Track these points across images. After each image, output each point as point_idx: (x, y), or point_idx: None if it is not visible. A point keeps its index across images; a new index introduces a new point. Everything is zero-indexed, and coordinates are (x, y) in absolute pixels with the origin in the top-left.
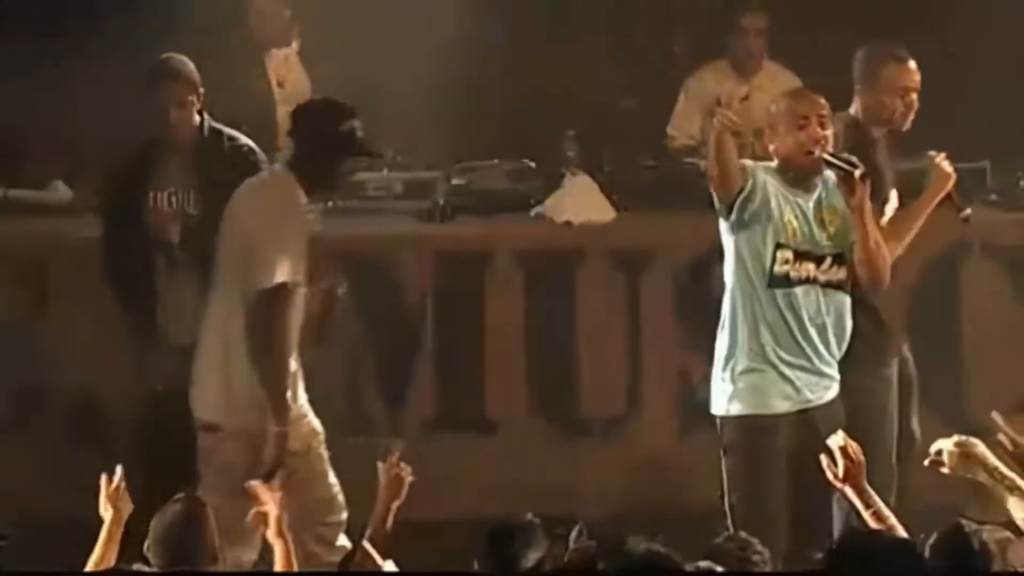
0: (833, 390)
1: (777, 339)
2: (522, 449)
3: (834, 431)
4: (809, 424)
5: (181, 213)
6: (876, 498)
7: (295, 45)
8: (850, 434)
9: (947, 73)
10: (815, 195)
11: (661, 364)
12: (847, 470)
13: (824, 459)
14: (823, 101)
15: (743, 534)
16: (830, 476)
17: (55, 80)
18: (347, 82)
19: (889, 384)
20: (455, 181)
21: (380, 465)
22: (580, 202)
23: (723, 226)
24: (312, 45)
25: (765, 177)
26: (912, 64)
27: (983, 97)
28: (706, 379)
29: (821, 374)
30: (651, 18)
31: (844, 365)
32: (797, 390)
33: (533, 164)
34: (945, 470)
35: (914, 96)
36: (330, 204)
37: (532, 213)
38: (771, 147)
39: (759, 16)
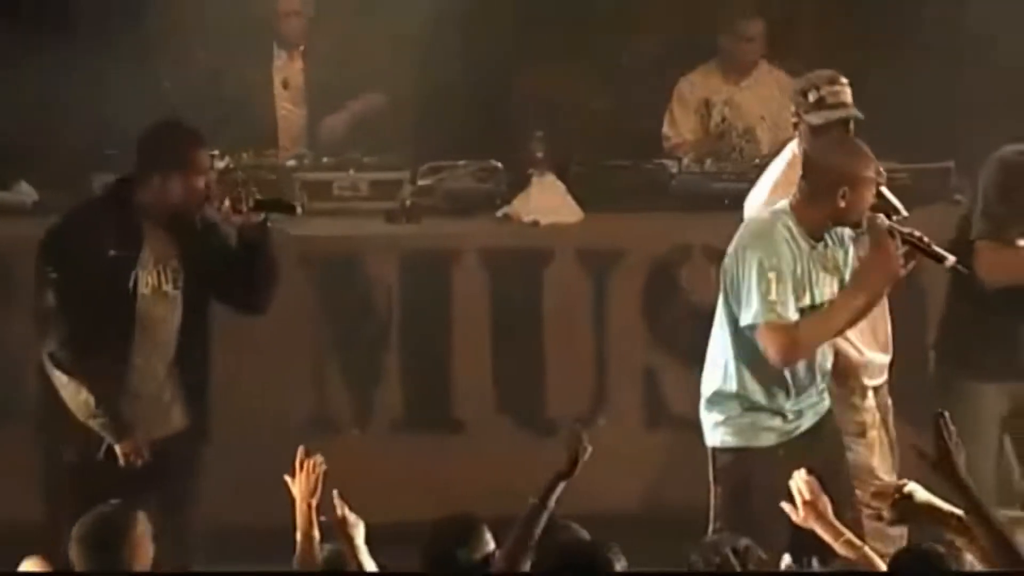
0: (823, 409)
1: (769, 376)
2: (489, 448)
3: (833, 447)
4: (804, 450)
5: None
6: (845, 529)
7: (303, 47)
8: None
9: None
10: (824, 239)
11: (628, 364)
12: (805, 507)
13: (786, 505)
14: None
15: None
16: (793, 517)
17: (19, 78)
18: (311, 83)
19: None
20: (422, 182)
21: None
22: (547, 202)
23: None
24: (321, 46)
25: (784, 233)
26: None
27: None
28: (673, 378)
29: (810, 397)
30: (619, 18)
31: None
32: (788, 421)
33: (500, 164)
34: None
35: None
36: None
37: (499, 213)
38: (842, 204)
39: (753, 23)
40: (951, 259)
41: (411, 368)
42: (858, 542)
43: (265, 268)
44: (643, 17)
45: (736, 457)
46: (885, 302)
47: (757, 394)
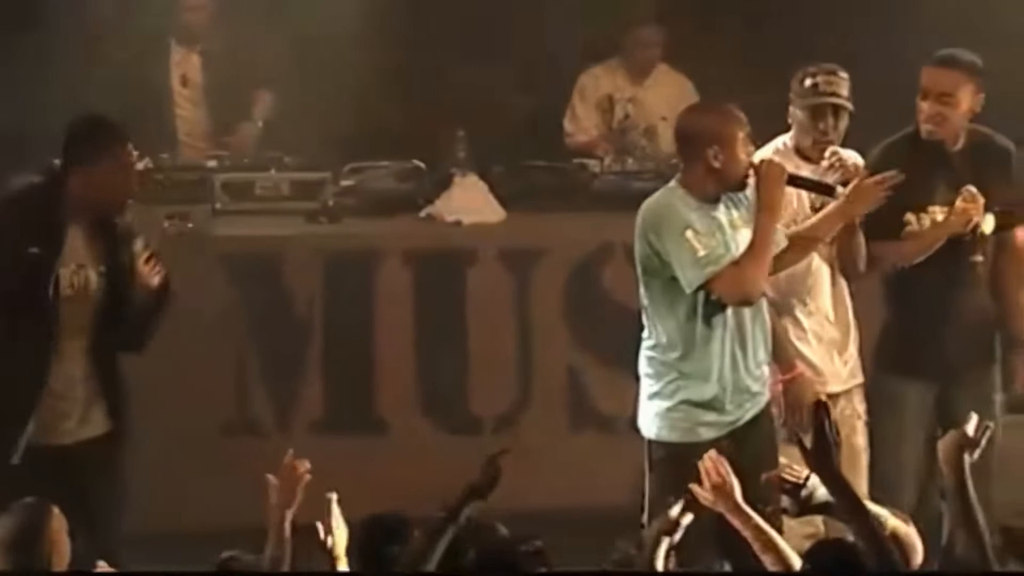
0: (761, 404)
1: (704, 364)
2: (413, 448)
3: (766, 445)
4: (739, 442)
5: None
6: (755, 516)
7: (201, 44)
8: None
9: None
10: (720, 205)
11: (551, 362)
12: (712, 490)
13: (695, 487)
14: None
15: None
16: (701, 499)
17: None
18: (235, 83)
19: None
20: (344, 182)
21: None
22: (470, 202)
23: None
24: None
25: (679, 203)
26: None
27: None
28: (597, 377)
29: (749, 391)
30: (541, 18)
31: None
32: (725, 413)
33: (422, 165)
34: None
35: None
36: (217, 206)
37: (422, 214)
38: (716, 165)
39: (652, 29)
40: (840, 189)
41: (334, 368)
42: (767, 529)
43: (156, 314)
44: (562, 16)
45: (671, 451)
46: (848, 309)
47: (692, 387)
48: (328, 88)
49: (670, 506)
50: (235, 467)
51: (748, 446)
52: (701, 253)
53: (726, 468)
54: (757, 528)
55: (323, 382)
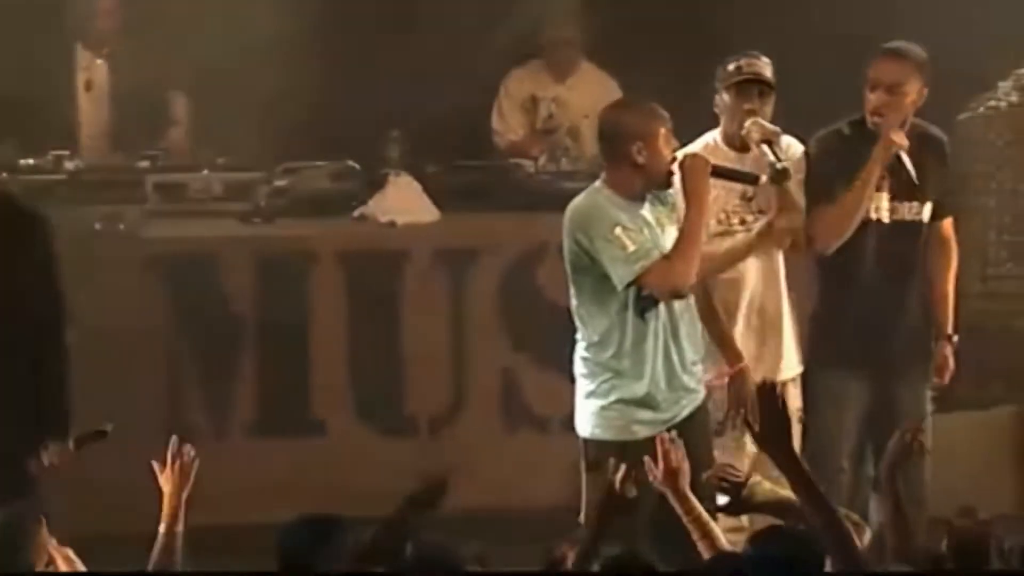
0: (697, 401)
1: (638, 362)
2: (348, 450)
3: (701, 442)
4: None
5: None
6: (698, 505)
7: (108, 49)
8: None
9: None
10: (646, 204)
11: (486, 363)
12: (664, 472)
13: (647, 459)
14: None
15: None
16: (651, 477)
17: None
18: (166, 83)
19: None
20: (277, 183)
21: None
22: (404, 203)
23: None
24: (128, 48)
25: (605, 202)
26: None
27: None
28: (532, 377)
29: (684, 388)
30: (472, 18)
31: None
32: (661, 411)
33: (356, 165)
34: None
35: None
36: (149, 206)
37: (356, 214)
38: (640, 161)
39: (567, 29)
40: (763, 178)
41: (268, 370)
42: (708, 520)
43: None
44: (493, 17)
45: (606, 449)
46: (782, 301)
47: (626, 386)
48: (261, 88)
49: (613, 471)
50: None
51: (684, 443)
52: (631, 249)
53: (680, 453)
54: (699, 518)
55: (257, 384)
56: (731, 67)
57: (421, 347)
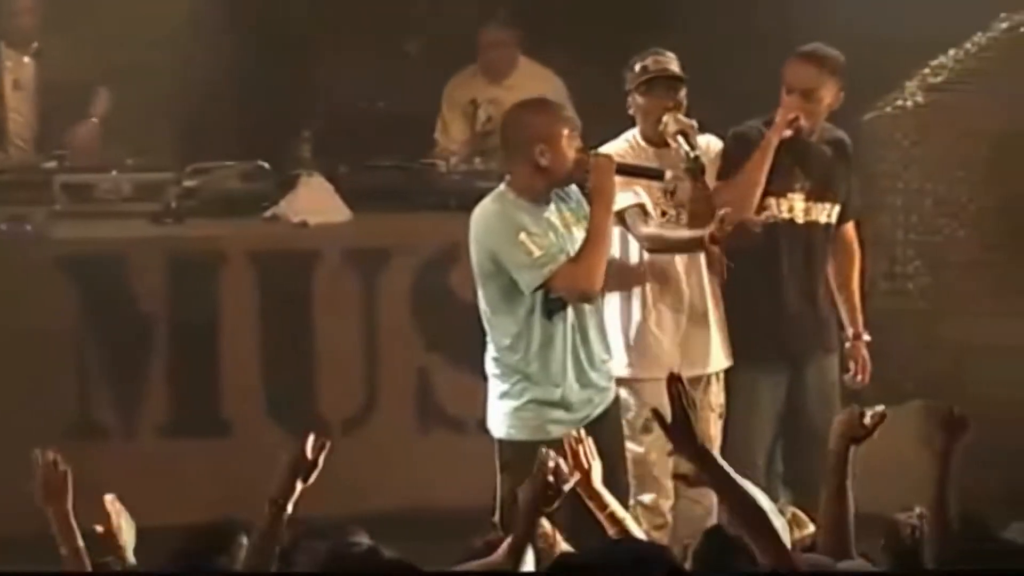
0: (609, 398)
1: (548, 364)
2: (259, 451)
3: (614, 439)
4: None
5: None
6: (611, 500)
7: (35, 47)
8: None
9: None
10: (551, 205)
11: (400, 363)
12: (576, 468)
13: (558, 458)
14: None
15: None
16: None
17: None
18: (75, 84)
19: None
20: (187, 183)
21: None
22: (315, 203)
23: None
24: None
25: (510, 207)
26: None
27: None
28: (446, 377)
29: (596, 387)
30: (386, 19)
31: None
32: (574, 410)
33: (267, 165)
34: None
35: None
36: (57, 207)
37: (267, 214)
38: (543, 163)
39: (501, 31)
40: (668, 174)
41: (178, 371)
42: (623, 514)
43: None
44: (410, 16)
45: (520, 449)
46: (705, 296)
47: (538, 388)
48: (171, 87)
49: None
50: (78, 472)
51: (597, 440)
52: (537, 254)
53: (590, 450)
54: (612, 514)
55: (167, 385)
56: (638, 67)
57: (333, 348)
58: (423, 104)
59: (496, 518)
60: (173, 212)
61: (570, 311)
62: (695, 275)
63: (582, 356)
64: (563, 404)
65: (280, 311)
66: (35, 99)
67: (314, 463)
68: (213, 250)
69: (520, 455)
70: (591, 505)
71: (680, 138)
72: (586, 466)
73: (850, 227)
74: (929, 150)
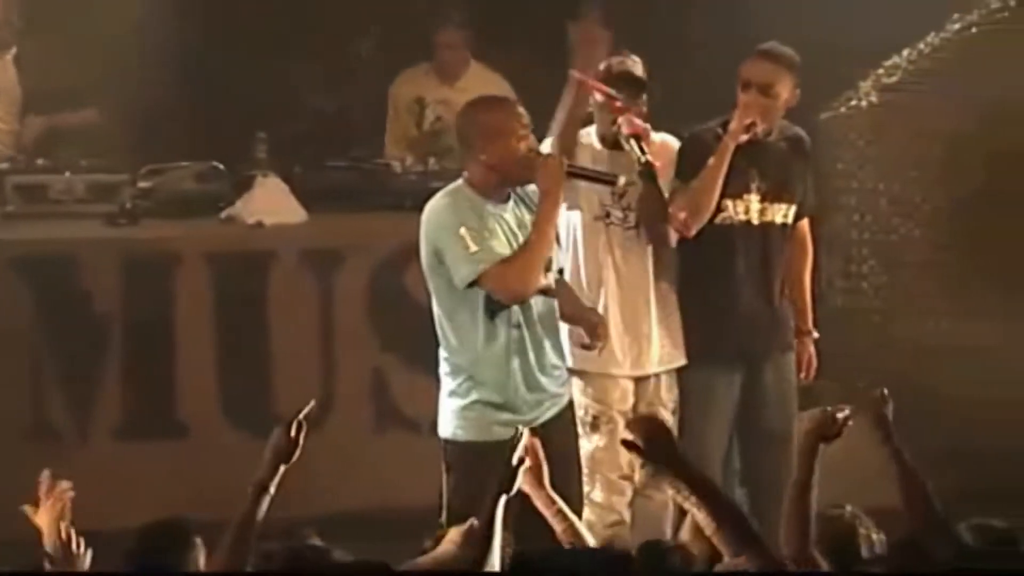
0: (561, 403)
1: (492, 366)
2: (215, 452)
3: (567, 441)
4: (541, 439)
5: None
6: (560, 501)
7: (14, 50)
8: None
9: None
10: (510, 204)
11: (356, 364)
12: (526, 471)
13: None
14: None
15: None
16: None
17: None
18: (28, 84)
19: None
20: (142, 184)
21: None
22: (271, 203)
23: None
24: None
25: (463, 203)
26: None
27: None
28: (401, 378)
29: (546, 391)
30: (341, 18)
31: None
32: (521, 413)
33: (222, 166)
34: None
35: None
36: (9, 208)
37: (222, 215)
38: (482, 157)
39: (453, 33)
40: (621, 180)
41: (133, 373)
42: (571, 515)
43: None
44: (363, 16)
45: (466, 449)
46: (649, 293)
47: (484, 389)
48: (125, 88)
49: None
50: (34, 474)
51: (548, 443)
52: (473, 249)
53: (538, 452)
54: (561, 513)
55: (122, 386)
56: (602, 65)
57: (289, 348)
58: (378, 104)
59: (443, 518)
60: (128, 213)
61: (517, 313)
62: (637, 274)
63: (531, 359)
64: (508, 406)
65: (236, 312)
66: (17, 105)
67: (296, 444)
68: (168, 251)
69: (465, 455)
70: (539, 504)
71: (632, 142)
72: (537, 467)
73: (804, 224)
74: (883, 150)
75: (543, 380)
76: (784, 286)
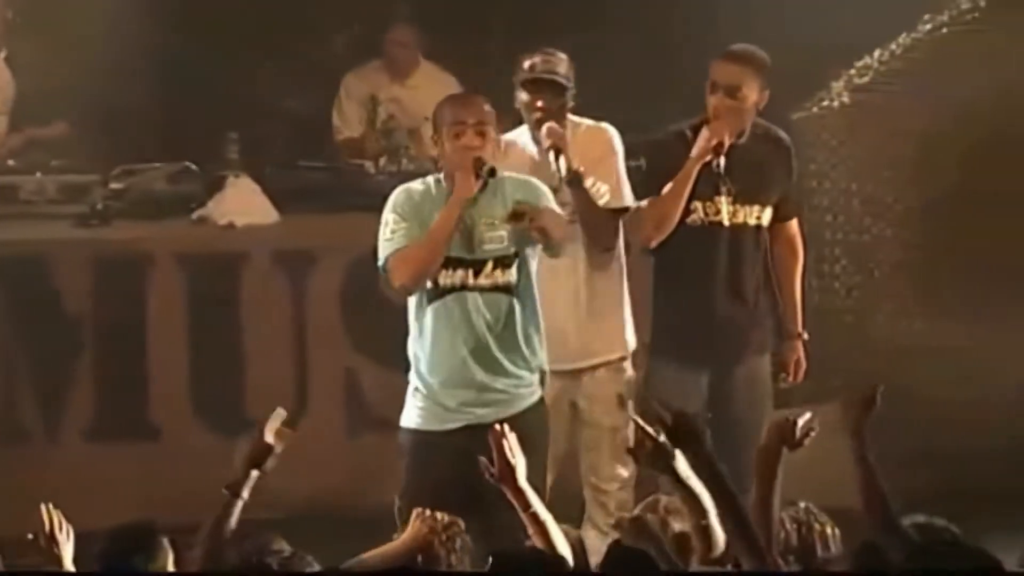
0: (519, 404)
1: (436, 359)
2: (187, 454)
3: (536, 439)
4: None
5: None
6: (534, 500)
7: (4, 51)
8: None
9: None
10: (482, 203)
11: (328, 364)
12: (499, 467)
13: (483, 459)
14: (486, 108)
15: None
16: (487, 475)
17: None
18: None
19: None
20: (113, 185)
21: None
22: (242, 204)
23: None
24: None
25: (423, 190)
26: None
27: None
28: (374, 378)
29: (495, 389)
30: (311, 19)
31: None
32: (465, 411)
33: (194, 167)
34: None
35: None
36: None
37: (194, 216)
38: (442, 151)
39: (403, 30)
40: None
41: (105, 374)
42: (545, 514)
43: None
44: (335, 15)
45: (415, 438)
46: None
47: (426, 377)
48: (97, 89)
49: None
50: (4, 475)
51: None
52: (387, 236)
53: (515, 449)
54: (534, 513)
55: (94, 388)
56: (526, 65)
57: (262, 349)
58: None
59: (396, 508)
60: (99, 214)
61: (456, 312)
62: (564, 269)
63: (482, 353)
64: (459, 398)
65: (208, 313)
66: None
67: (270, 449)
68: (140, 252)
69: (414, 444)
70: (515, 504)
71: (552, 155)
72: (511, 462)
73: (793, 225)
74: (856, 150)
75: (498, 375)
76: (767, 287)
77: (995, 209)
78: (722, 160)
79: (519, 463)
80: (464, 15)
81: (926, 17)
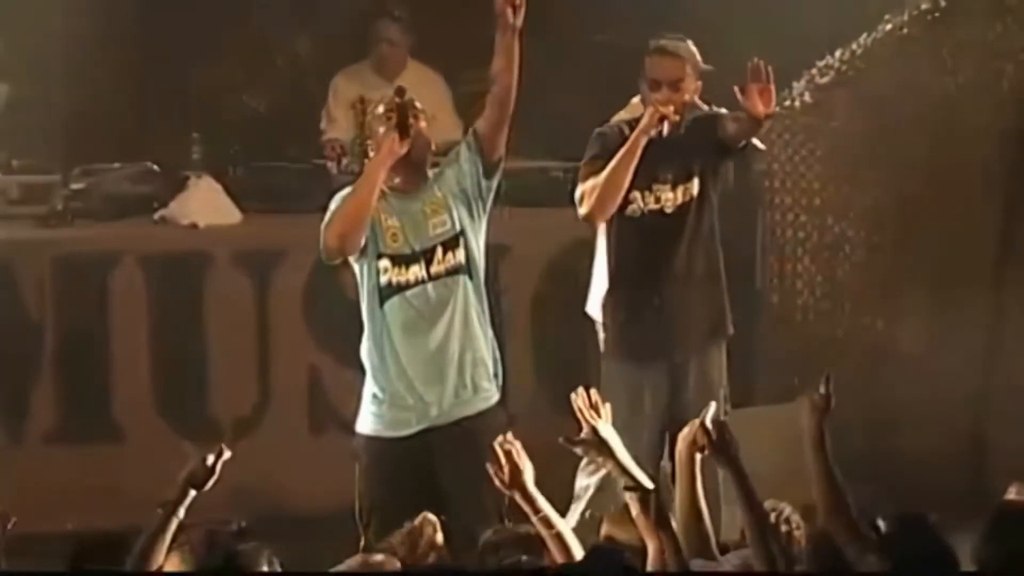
0: (482, 403)
1: (382, 359)
2: (150, 455)
3: (492, 439)
4: (461, 436)
5: None
6: (545, 504)
7: None
8: None
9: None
10: (423, 192)
11: (291, 364)
12: (509, 473)
13: (491, 466)
14: (417, 104)
15: None
16: (496, 482)
17: None
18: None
19: None
20: (75, 185)
21: None
22: (205, 204)
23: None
24: None
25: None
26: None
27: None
28: (337, 378)
29: (453, 389)
30: (277, 18)
31: None
32: (423, 413)
33: (156, 167)
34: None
35: None
36: None
37: (156, 216)
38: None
39: (393, 29)
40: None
41: (67, 375)
42: (555, 518)
43: None
44: (299, 15)
45: (369, 442)
46: None
47: (383, 378)
48: (57, 88)
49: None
50: None
51: (466, 448)
52: (328, 214)
53: (521, 455)
54: (545, 517)
55: (56, 389)
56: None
57: (225, 349)
58: (313, 104)
59: (357, 514)
60: (61, 215)
61: (408, 308)
62: None
63: (439, 356)
64: (414, 401)
65: (171, 313)
66: None
67: (211, 472)
68: (102, 252)
69: (368, 447)
70: (525, 509)
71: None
72: (519, 468)
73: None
74: (817, 150)
75: (455, 378)
76: (712, 269)
77: (956, 210)
78: (665, 128)
79: (527, 468)
80: (449, 11)
81: (887, 17)
